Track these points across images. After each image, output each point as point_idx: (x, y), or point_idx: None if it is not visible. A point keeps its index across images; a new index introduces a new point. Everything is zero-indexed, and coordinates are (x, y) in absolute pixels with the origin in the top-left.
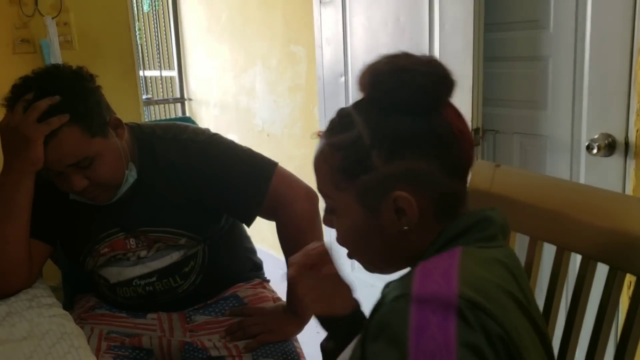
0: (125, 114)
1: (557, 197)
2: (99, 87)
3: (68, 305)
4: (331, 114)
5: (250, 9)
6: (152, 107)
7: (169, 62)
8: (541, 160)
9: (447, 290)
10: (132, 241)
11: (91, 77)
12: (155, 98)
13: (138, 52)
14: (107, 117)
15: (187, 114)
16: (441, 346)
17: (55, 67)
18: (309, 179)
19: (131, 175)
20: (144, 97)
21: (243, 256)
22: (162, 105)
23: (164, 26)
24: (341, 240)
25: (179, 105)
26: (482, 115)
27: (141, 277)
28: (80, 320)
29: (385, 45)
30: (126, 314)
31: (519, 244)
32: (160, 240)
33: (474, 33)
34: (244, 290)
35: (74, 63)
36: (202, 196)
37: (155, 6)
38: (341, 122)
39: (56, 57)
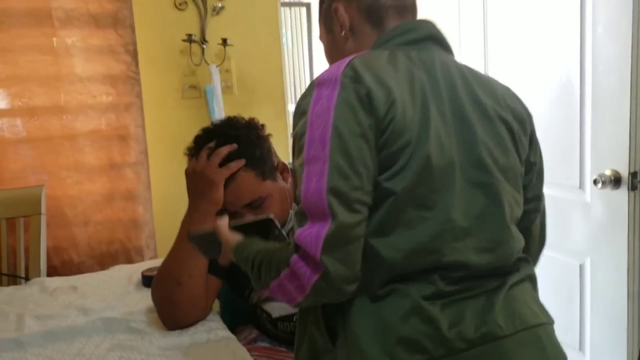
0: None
1: None
2: (269, 135)
3: None
4: None
5: None
6: None
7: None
8: None
9: (336, 71)
10: None
11: (262, 127)
12: None
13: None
14: (275, 162)
15: None
16: (325, 108)
17: (231, 119)
18: None
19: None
20: None
21: None
22: None
23: (296, 61)
24: (325, 55)
25: None
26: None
27: None
28: None
29: (530, 89)
30: (286, 348)
31: None
32: None
33: (632, 71)
34: None
35: (233, 107)
36: None
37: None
38: None
39: (218, 101)
